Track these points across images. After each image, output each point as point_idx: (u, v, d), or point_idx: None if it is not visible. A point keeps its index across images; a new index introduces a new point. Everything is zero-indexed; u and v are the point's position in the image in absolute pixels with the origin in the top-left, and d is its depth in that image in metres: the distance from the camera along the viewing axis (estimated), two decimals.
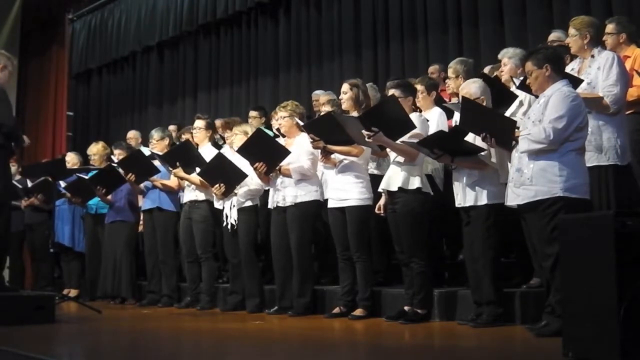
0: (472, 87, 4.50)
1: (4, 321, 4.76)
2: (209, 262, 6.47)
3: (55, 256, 8.34)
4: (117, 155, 7.48)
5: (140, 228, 7.29)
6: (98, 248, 7.63)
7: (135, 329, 5.19)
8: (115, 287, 7.34)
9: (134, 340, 4.53)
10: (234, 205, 5.99)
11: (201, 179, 6.20)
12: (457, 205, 4.50)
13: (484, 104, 4.39)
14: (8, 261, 7.49)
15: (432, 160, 4.74)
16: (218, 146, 6.80)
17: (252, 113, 7.22)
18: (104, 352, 4.04)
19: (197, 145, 6.58)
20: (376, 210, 5.03)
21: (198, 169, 6.20)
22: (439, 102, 5.37)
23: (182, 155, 6.33)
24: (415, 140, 4.53)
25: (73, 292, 7.93)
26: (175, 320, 5.81)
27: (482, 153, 4.34)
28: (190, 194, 6.50)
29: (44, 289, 7.78)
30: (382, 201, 4.99)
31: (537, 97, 4.10)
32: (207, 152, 6.35)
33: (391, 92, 4.85)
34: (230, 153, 6.09)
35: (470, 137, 4.36)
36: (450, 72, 5.46)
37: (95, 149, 7.77)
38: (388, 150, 4.87)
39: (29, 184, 7.88)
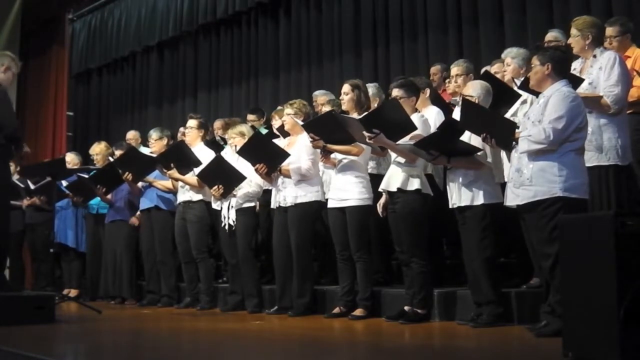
0: (470, 88, 4.51)
1: (4, 321, 4.75)
2: (205, 262, 6.47)
3: (56, 256, 8.35)
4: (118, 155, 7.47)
5: (134, 220, 7.28)
6: (99, 248, 7.64)
7: (135, 329, 5.19)
8: (115, 287, 7.35)
9: (134, 340, 4.53)
10: (232, 207, 6.00)
11: (198, 180, 6.20)
12: (451, 205, 4.50)
13: (480, 103, 4.39)
14: (8, 261, 7.50)
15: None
16: (219, 146, 6.79)
17: (250, 117, 7.22)
18: (104, 352, 4.04)
19: (189, 145, 6.52)
20: (378, 209, 5.03)
21: (195, 170, 6.20)
22: (435, 101, 5.38)
23: (177, 156, 6.33)
24: (413, 142, 4.53)
25: (73, 292, 7.93)
26: (175, 320, 5.81)
27: (479, 153, 4.34)
28: (184, 195, 6.48)
29: (44, 289, 7.79)
30: (382, 201, 4.99)
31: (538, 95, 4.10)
32: (200, 152, 6.34)
33: (394, 92, 4.85)
34: (231, 154, 6.10)
35: (465, 137, 4.37)
36: (455, 71, 5.42)
37: (98, 149, 7.78)
38: (389, 149, 4.87)
39: (30, 184, 7.88)
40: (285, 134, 5.87)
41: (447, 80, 5.90)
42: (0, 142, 5.20)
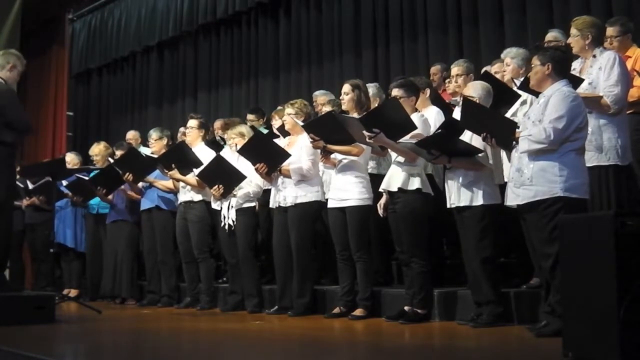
0: (470, 88, 4.51)
1: (4, 321, 4.76)
2: (206, 262, 6.47)
3: (56, 256, 8.35)
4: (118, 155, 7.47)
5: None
6: (99, 248, 7.65)
7: (135, 329, 5.19)
8: (116, 287, 7.36)
9: (134, 340, 4.53)
10: (232, 206, 6.00)
11: (198, 180, 6.20)
12: (450, 205, 4.50)
13: (480, 103, 4.39)
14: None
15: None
16: (219, 146, 6.79)
17: (250, 117, 7.23)
18: (104, 352, 4.05)
19: (190, 145, 6.52)
20: (378, 209, 5.03)
21: (195, 170, 6.20)
22: (435, 101, 5.37)
23: (178, 156, 6.32)
24: (414, 141, 4.53)
25: (73, 292, 7.93)
26: (175, 320, 5.82)
27: (480, 154, 4.34)
28: (186, 195, 6.49)
29: (44, 289, 7.79)
30: (382, 201, 4.98)
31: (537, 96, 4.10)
32: (201, 152, 6.34)
33: (394, 92, 4.85)
34: (230, 154, 6.10)
35: (466, 137, 4.37)
36: (455, 71, 5.42)
37: (97, 150, 7.79)
38: (389, 149, 4.87)
39: (29, 184, 7.88)
40: (286, 134, 5.87)
41: (447, 80, 5.91)
42: (6, 142, 5.21)
